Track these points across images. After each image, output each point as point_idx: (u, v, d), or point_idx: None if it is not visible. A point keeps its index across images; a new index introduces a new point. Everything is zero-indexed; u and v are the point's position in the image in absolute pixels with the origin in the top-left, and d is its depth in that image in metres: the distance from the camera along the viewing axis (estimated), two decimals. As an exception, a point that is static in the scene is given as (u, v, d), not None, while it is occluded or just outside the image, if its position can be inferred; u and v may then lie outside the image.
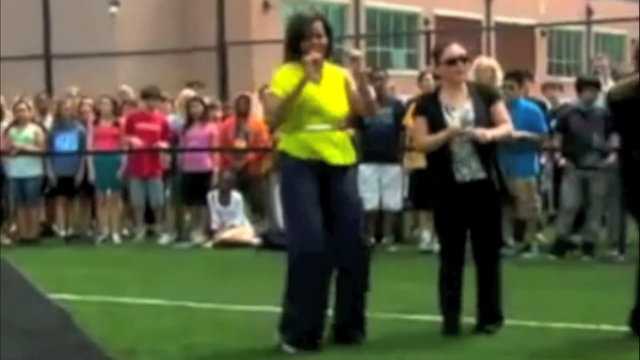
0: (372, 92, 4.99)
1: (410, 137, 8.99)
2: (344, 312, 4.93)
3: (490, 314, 5.18)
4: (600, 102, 8.25)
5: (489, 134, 5.02)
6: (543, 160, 9.30)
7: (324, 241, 4.72)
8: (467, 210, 5.10)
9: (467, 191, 5.07)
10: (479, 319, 5.19)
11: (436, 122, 5.08)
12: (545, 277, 7.48)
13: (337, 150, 4.85)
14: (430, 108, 5.14)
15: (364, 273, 4.90)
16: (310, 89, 4.79)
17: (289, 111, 4.79)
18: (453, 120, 5.06)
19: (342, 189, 4.83)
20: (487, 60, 8.98)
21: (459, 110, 5.09)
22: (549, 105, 9.65)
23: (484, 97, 5.16)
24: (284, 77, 4.85)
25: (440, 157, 5.06)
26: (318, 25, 4.80)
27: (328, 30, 4.84)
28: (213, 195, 9.91)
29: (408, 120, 8.94)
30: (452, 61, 5.07)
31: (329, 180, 4.82)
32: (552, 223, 9.21)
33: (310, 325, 4.79)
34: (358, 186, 5.08)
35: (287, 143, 4.86)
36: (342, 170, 4.86)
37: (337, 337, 4.91)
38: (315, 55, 4.73)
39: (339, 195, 4.83)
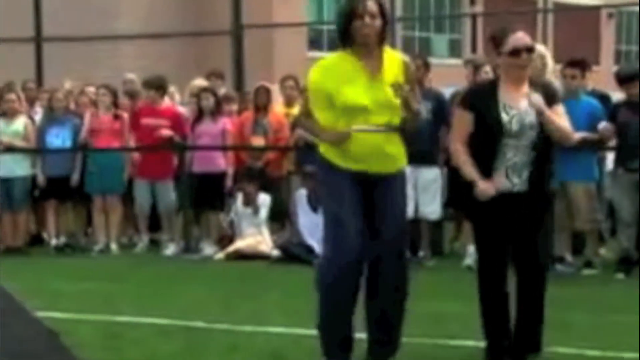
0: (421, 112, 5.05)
1: None
2: (374, 331, 4.99)
3: (531, 344, 5.11)
4: None
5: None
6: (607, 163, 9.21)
7: (359, 252, 4.82)
8: (509, 224, 5.03)
9: (513, 204, 5.00)
10: (517, 348, 5.12)
11: (490, 120, 4.96)
12: (609, 298, 7.41)
13: (383, 157, 4.88)
14: (483, 103, 5.01)
15: (402, 292, 4.95)
16: (358, 88, 4.81)
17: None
18: (512, 120, 4.98)
19: (384, 200, 4.88)
20: (536, 46, 8.87)
21: (517, 110, 4.99)
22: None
23: (545, 97, 5.07)
24: (326, 72, 4.87)
25: (487, 160, 5.00)
26: (371, 4, 4.83)
27: (383, 11, 4.87)
28: (236, 197, 9.93)
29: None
30: (516, 52, 4.96)
31: (371, 188, 4.88)
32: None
33: (340, 335, 4.90)
34: (406, 193, 5.10)
35: (324, 144, 4.92)
36: (387, 178, 4.90)
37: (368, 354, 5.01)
38: (354, 130, 4.79)
39: (380, 207, 4.89)
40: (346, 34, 4.85)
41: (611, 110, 8.43)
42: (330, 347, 4.96)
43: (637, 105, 8.20)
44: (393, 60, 4.94)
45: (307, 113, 5.02)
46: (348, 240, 4.79)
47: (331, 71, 4.87)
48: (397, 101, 4.85)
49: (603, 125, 8.25)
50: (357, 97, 4.81)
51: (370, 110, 4.82)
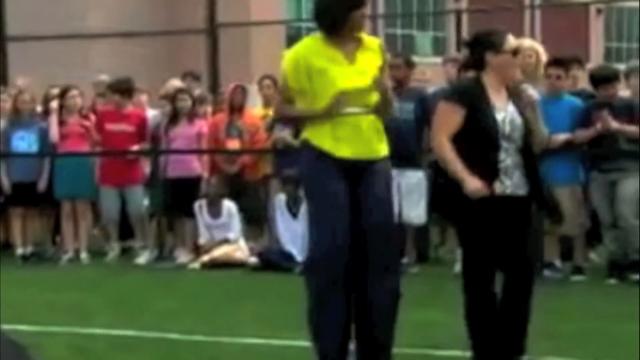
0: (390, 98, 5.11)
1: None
2: (364, 346, 4.96)
3: (515, 347, 5.14)
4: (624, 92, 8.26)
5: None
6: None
7: (346, 254, 4.83)
8: (500, 227, 5.06)
9: (504, 207, 5.04)
10: (503, 352, 5.14)
11: (485, 120, 5.02)
12: (599, 305, 7.43)
13: (367, 140, 4.94)
14: (475, 102, 5.07)
15: (394, 301, 4.96)
16: (338, 71, 4.91)
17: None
18: (504, 121, 5.04)
19: (371, 190, 4.92)
20: (529, 42, 8.92)
21: (505, 112, 5.07)
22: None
23: (523, 100, 5.20)
24: (304, 57, 4.93)
25: (480, 162, 5.03)
26: None
27: None
28: (201, 205, 9.90)
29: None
30: (516, 51, 5.14)
31: (357, 177, 4.92)
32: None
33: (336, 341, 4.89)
34: (391, 184, 5.13)
35: (310, 131, 4.98)
36: (373, 164, 4.95)
37: None
38: (343, 95, 4.87)
39: (367, 198, 4.92)
40: (342, 21, 4.91)
41: (584, 112, 8.42)
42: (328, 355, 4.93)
43: (610, 107, 8.24)
44: (369, 44, 5.04)
45: (288, 99, 5.05)
46: (335, 246, 4.82)
47: (311, 55, 4.94)
48: (374, 83, 4.95)
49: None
50: (337, 81, 4.89)
51: (351, 93, 4.90)
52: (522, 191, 5.09)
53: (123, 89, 10.29)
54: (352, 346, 5.01)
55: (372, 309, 4.92)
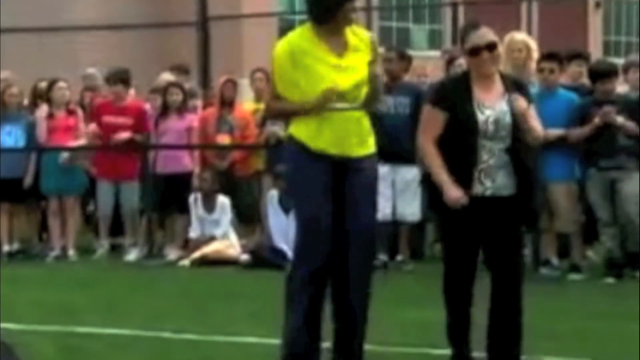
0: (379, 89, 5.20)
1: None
2: (339, 343, 5.01)
3: (509, 356, 5.14)
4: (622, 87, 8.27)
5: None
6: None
7: (326, 257, 4.90)
8: (480, 231, 5.06)
9: (483, 209, 5.03)
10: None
11: (464, 120, 5.00)
12: (597, 304, 7.46)
13: (353, 136, 4.97)
14: (456, 100, 5.05)
15: (365, 298, 4.99)
16: (327, 67, 4.94)
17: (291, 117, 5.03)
18: (487, 121, 5.02)
19: (355, 192, 4.96)
20: (520, 36, 8.90)
21: (493, 110, 5.05)
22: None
23: (521, 96, 5.14)
24: (295, 50, 4.95)
25: (459, 161, 5.03)
26: None
27: None
28: (196, 198, 9.89)
29: None
30: (475, 50, 5.03)
31: (342, 174, 4.95)
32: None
33: (304, 340, 4.95)
34: (377, 182, 5.15)
35: (296, 125, 5.01)
36: (359, 162, 4.98)
37: None
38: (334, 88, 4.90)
39: (351, 201, 4.95)
40: (335, 12, 4.94)
41: (581, 109, 8.41)
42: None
43: (610, 104, 8.25)
44: (360, 37, 5.08)
45: (277, 95, 5.07)
46: (317, 247, 4.89)
47: (300, 49, 4.98)
48: (364, 77, 4.99)
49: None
50: (325, 78, 4.93)
51: (341, 87, 4.93)
52: (506, 191, 5.05)
53: (123, 79, 10.28)
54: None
55: (348, 312, 4.98)
